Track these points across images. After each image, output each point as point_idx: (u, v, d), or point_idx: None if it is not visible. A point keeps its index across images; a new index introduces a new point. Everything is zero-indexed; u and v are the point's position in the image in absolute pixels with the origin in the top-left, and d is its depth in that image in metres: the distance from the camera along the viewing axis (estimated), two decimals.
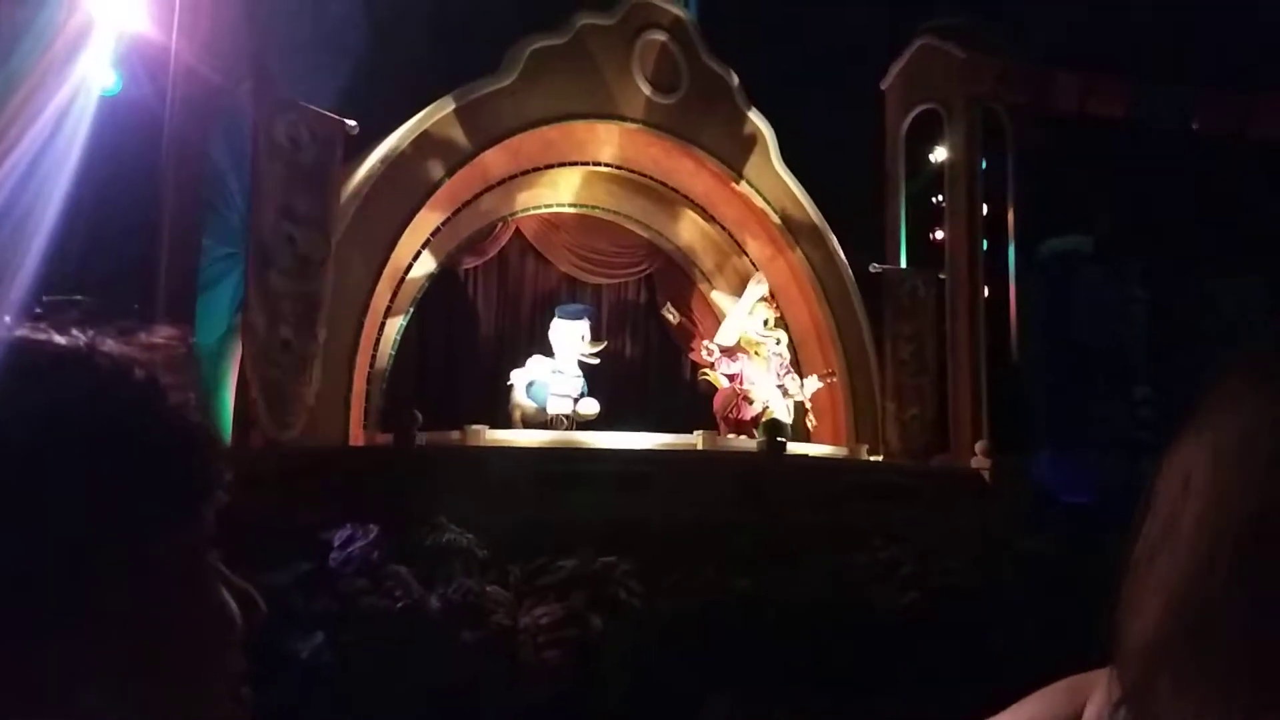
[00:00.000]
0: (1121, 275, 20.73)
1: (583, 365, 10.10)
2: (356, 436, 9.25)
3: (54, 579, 0.56)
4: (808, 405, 12.22)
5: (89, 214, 7.13)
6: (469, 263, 11.41)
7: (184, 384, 0.64)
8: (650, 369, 12.80)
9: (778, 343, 10.90)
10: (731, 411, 10.38)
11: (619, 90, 11.41)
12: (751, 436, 10.32)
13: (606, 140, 11.74)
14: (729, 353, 10.43)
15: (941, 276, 14.11)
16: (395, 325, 10.44)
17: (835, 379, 12.02)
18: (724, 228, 13.01)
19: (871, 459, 10.07)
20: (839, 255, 13.42)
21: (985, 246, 14.48)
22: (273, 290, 8.18)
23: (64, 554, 0.56)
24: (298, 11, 9.86)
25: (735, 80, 12.52)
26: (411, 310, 10.69)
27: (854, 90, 15.32)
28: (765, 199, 12.75)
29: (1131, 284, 20.39)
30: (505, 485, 7.31)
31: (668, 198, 12.66)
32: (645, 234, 12.75)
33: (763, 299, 10.79)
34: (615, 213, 12.44)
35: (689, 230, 13.02)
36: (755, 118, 12.71)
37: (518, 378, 9.75)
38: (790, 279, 13.38)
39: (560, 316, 10.07)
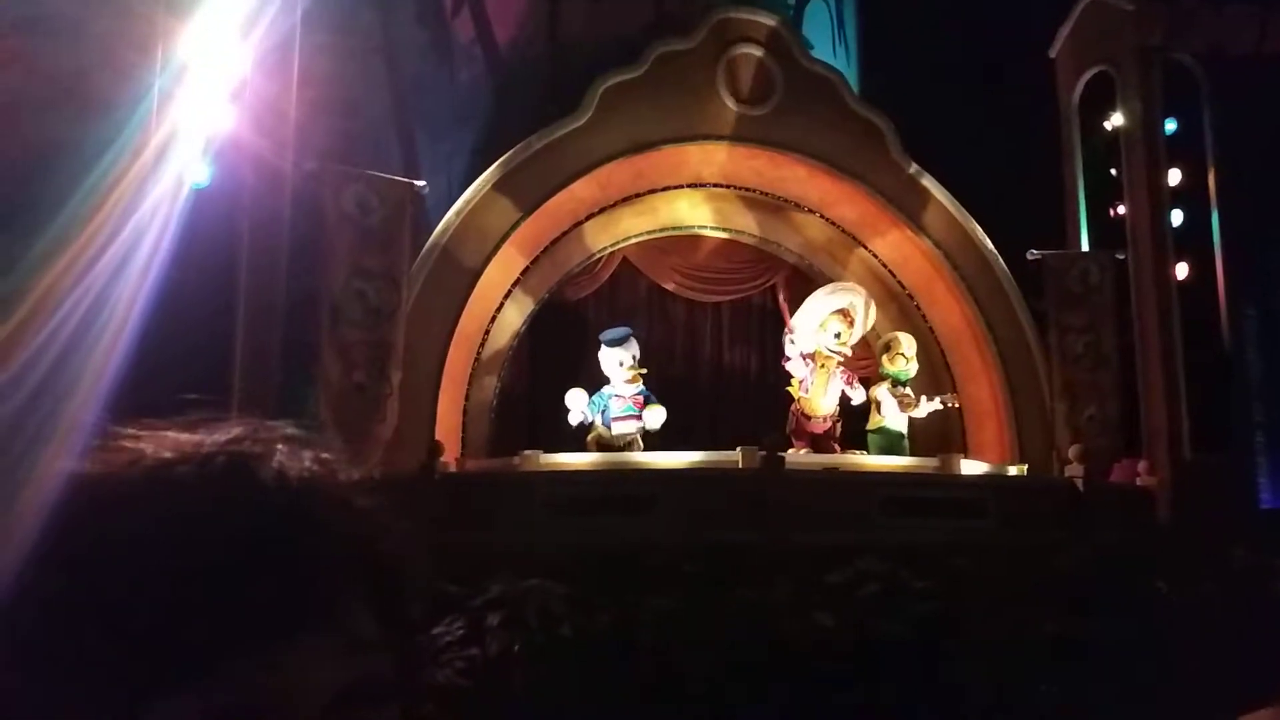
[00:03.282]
0: None
1: (648, 381, 10.26)
2: (448, 466, 10.10)
3: None
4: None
5: (181, 304, 8.53)
6: (577, 294, 11.97)
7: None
8: (776, 383, 12.57)
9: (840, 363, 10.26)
10: (799, 425, 10.01)
11: (705, 110, 11.49)
12: (830, 451, 9.91)
13: (703, 161, 11.83)
14: (805, 358, 10.09)
15: (1120, 256, 12.53)
16: (499, 359, 11.24)
17: (956, 404, 11.12)
18: (845, 230, 12.53)
19: (952, 472, 9.23)
20: (985, 246, 12.41)
21: (1182, 219, 12.65)
22: (345, 341, 9.28)
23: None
24: (385, 89, 11.07)
25: (841, 78, 12.09)
26: (516, 343, 11.44)
27: (1022, 65, 14.08)
28: (885, 195, 12.13)
29: None
30: (511, 510, 7.76)
31: (782, 208, 12.45)
32: (764, 246, 12.61)
33: (838, 311, 10.27)
34: (726, 230, 12.45)
35: (812, 236, 12.68)
36: (868, 112, 12.16)
37: (573, 402, 10.12)
38: (934, 276, 12.60)
39: (605, 344, 10.31)
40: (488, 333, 10.95)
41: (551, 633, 6.02)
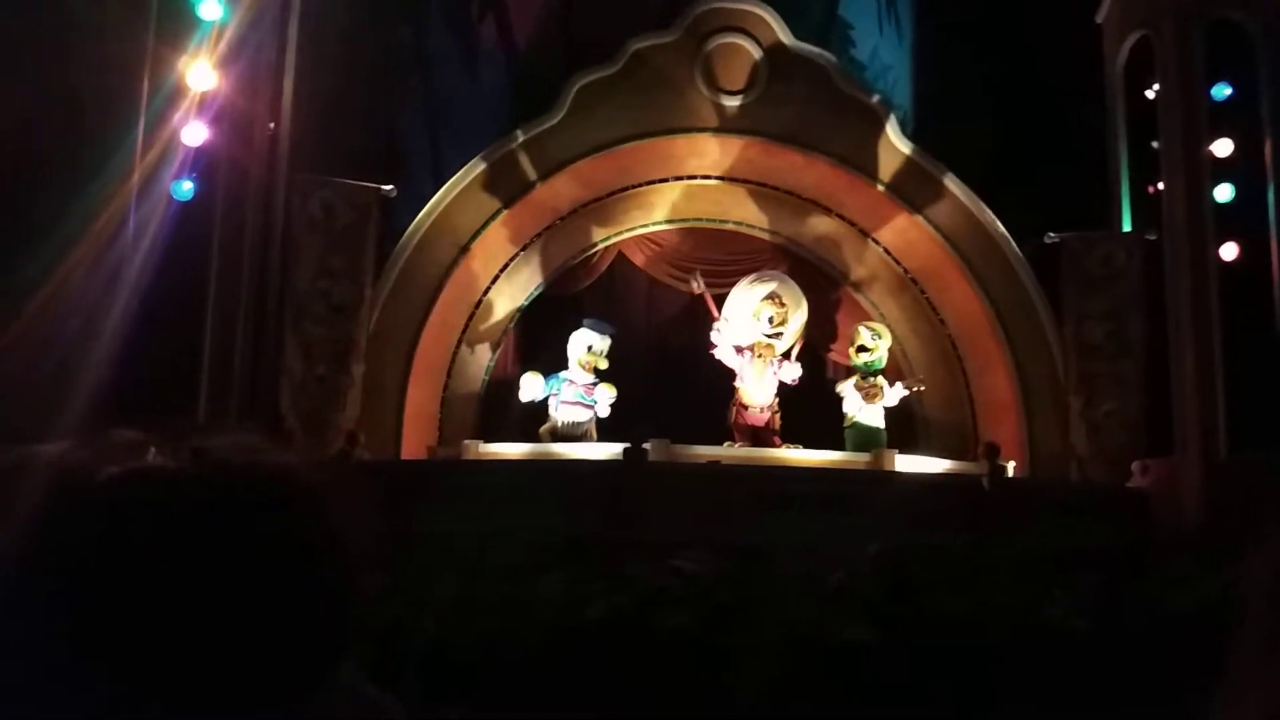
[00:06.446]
0: None
1: (599, 372, 10.46)
2: (419, 452, 10.72)
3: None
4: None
5: (162, 310, 9.46)
6: (574, 287, 12.27)
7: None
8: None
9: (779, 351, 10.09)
10: (738, 418, 9.87)
11: (685, 102, 11.49)
12: (770, 444, 9.74)
13: (691, 153, 11.83)
14: (738, 349, 9.99)
15: (1152, 237, 11.49)
16: (486, 350, 11.74)
17: (923, 389, 10.63)
18: (847, 219, 12.14)
19: (869, 467, 8.81)
20: (995, 229, 11.71)
21: (1232, 193, 11.38)
22: (308, 337, 10.06)
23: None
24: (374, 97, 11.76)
25: (832, 61, 11.72)
26: (505, 336, 11.89)
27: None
28: (884, 181, 11.68)
29: None
30: (405, 498, 8.25)
31: (780, 197, 12.23)
32: (763, 237, 12.44)
33: (768, 298, 10.08)
34: (724, 221, 12.38)
35: (813, 225, 12.37)
36: (863, 95, 11.74)
37: (527, 385, 10.45)
38: (944, 263, 12.02)
39: (585, 325, 10.56)
40: (467, 325, 11.46)
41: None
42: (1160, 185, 11.76)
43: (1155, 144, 11.86)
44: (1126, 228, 12.04)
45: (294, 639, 0.61)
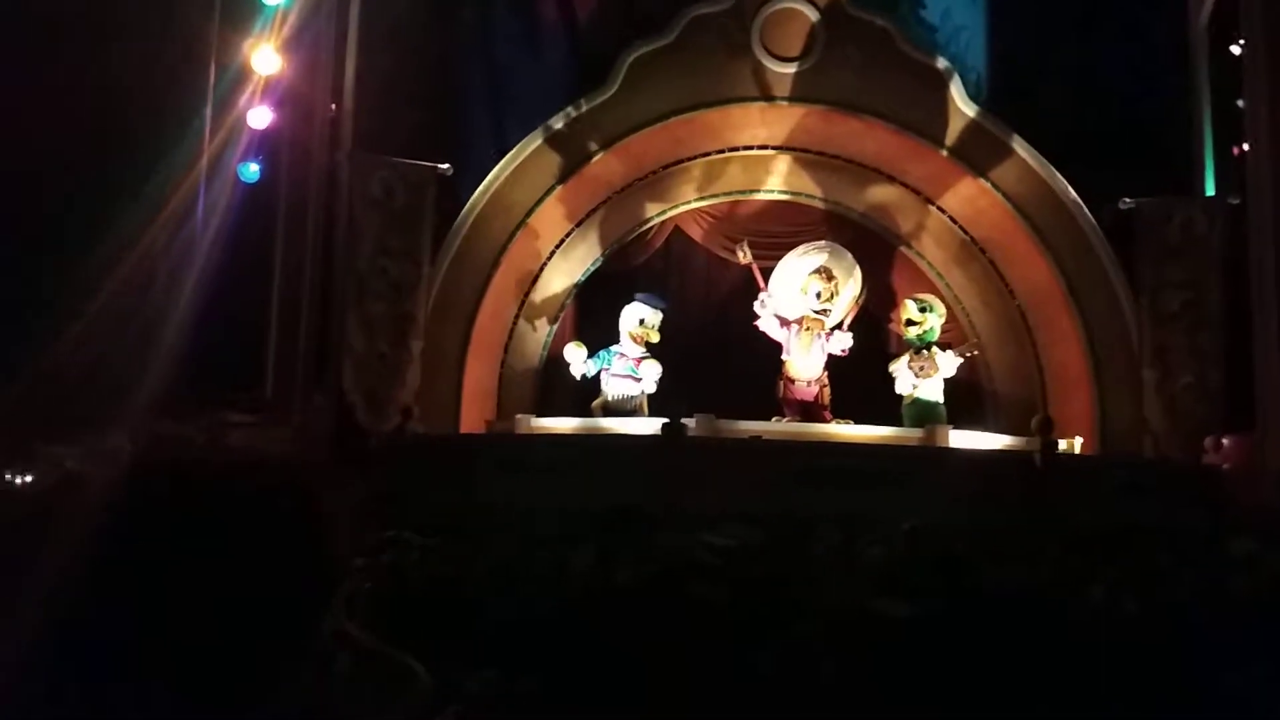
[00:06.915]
0: None
1: (651, 346, 10.48)
2: (478, 427, 10.92)
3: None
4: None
5: (229, 289, 9.81)
6: (631, 263, 12.27)
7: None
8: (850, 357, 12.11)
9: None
10: (786, 392, 9.75)
11: (742, 71, 11.32)
12: (820, 420, 9.62)
13: (747, 123, 11.68)
14: (785, 322, 9.88)
15: (1235, 201, 10.93)
16: (544, 326, 11.86)
17: (978, 352, 10.31)
18: (911, 187, 11.84)
19: (934, 444, 8.61)
20: (1067, 196, 11.28)
21: None
22: (369, 314, 10.32)
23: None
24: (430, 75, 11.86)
25: (895, 25, 11.38)
26: (563, 311, 11.97)
27: None
28: (950, 147, 11.33)
29: None
30: (455, 469, 8.45)
31: (842, 166, 11.99)
32: (825, 207, 12.22)
33: (816, 272, 9.90)
34: (783, 192, 12.21)
35: (876, 195, 12.10)
36: (925, 57, 11.37)
37: (572, 356, 10.52)
38: (1014, 232, 11.65)
39: (637, 299, 10.57)
40: (524, 301, 11.58)
41: (400, 578, 6.64)
42: (1245, 146, 11.16)
43: (1241, 103, 11.26)
44: (1210, 192, 11.48)
45: (256, 607, 0.63)
